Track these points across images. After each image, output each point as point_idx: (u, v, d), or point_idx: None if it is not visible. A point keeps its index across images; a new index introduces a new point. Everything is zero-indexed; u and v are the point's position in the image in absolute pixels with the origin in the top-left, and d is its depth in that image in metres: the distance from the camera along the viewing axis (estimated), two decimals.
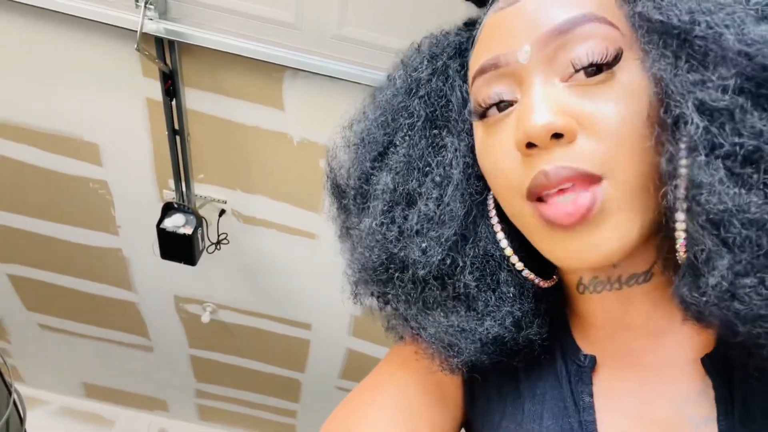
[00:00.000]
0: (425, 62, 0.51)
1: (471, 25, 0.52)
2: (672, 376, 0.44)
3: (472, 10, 0.52)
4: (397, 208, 0.48)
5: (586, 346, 0.49)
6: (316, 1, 1.40)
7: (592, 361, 0.47)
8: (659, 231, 0.42)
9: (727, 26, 0.34)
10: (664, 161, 0.37)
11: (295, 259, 2.11)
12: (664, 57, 0.37)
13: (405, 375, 0.54)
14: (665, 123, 0.37)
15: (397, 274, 0.48)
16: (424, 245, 0.46)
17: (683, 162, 0.36)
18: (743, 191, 0.33)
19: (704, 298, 0.36)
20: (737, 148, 0.33)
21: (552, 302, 0.51)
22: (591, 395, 0.46)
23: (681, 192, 0.36)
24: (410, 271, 0.47)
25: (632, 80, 0.39)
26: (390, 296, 0.50)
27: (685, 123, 0.35)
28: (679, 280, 0.40)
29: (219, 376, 2.90)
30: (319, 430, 0.52)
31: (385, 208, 0.48)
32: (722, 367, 0.42)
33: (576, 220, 0.39)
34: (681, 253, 0.39)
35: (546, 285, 0.49)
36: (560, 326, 0.52)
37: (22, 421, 1.65)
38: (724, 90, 0.34)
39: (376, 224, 0.48)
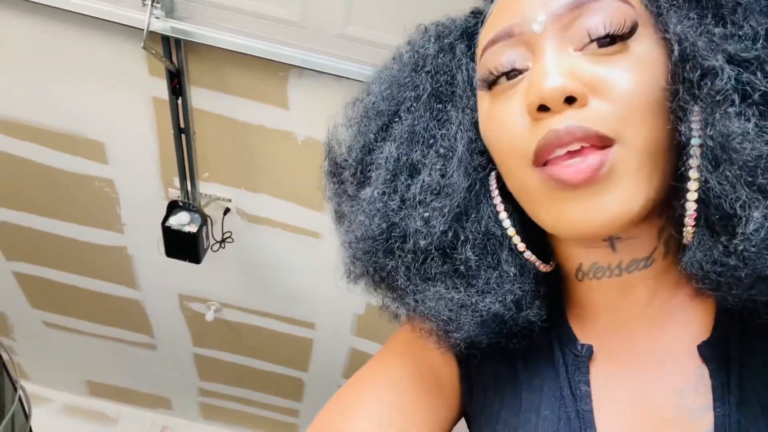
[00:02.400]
0: (432, 40, 0.51)
1: (479, 14, 0.52)
2: (669, 364, 0.44)
3: (478, 5, 0.52)
4: (399, 177, 0.47)
5: (583, 336, 0.49)
6: (321, 0, 1.41)
7: (589, 350, 0.47)
8: (661, 212, 0.42)
9: None
10: (685, 121, 0.37)
11: (299, 258, 2.11)
12: (688, 18, 0.38)
13: (400, 370, 0.53)
14: (690, 82, 0.37)
15: (397, 244, 0.47)
16: (426, 215, 0.45)
17: (709, 116, 0.36)
18: None
19: (738, 250, 0.35)
20: None
21: (550, 287, 0.51)
22: (588, 384, 0.46)
23: (702, 149, 0.37)
24: (411, 241, 0.46)
25: (646, 52, 0.40)
26: (388, 269, 0.48)
27: (715, 75, 0.35)
28: (692, 250, 0.39)
29: (222, 374, 2.91)
30: (307, 428, 0.52)
31: (387, 177, 0.47)
32: (719, 354, 0.42)
33: (585, 177, 0.39)
34: (688, 228, 0.39)
35: (544, 269, 0.49)
36: (557, 316, 0.51)
37: (27, 417, 1.66)
38: (755, 40, 0.35)
39: (378, 193, 0.47)
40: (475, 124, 0.48)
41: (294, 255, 2.10)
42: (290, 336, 2.51)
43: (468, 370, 0.55)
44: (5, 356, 1.60)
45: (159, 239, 1.85)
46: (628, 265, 0.45)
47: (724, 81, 0.35)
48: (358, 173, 0.51)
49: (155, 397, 3.20)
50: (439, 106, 0.49)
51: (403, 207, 0.46)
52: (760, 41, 0.35)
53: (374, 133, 0.50)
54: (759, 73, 0.34)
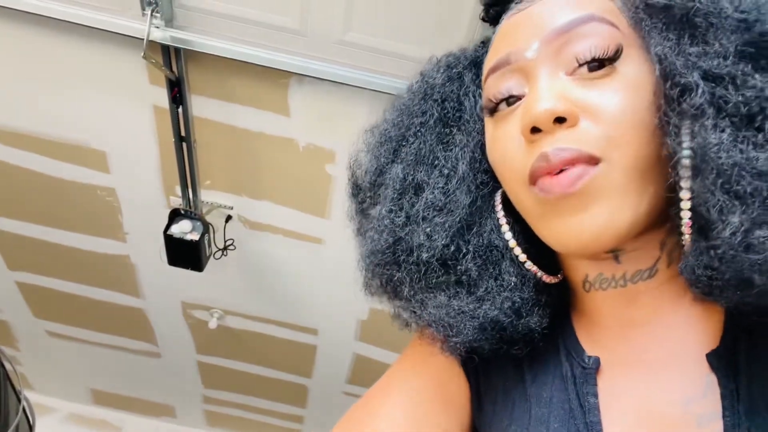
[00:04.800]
0: (441, 70, 0.55)
1: (488, 42, 0.55)
2: (677, 372, 0.44)
3: (476, 13, 0.53)
4: (405, 196, 0.51)
5: (590, 347, 0.50)
6: (320, 8, 1.41)
7: (596, 362, 0.48)
8: (662, 224, 0.43)
9: None
10: (670, 135, 0.39)
11: (301, 265, 2.11)
12: (667, 39, 0.40)
13: (413, 380, 0.55)
14: (671, 99, 0.39)
15: (403, 257, 0.50)
16: (428, 230, 0.49)
17: (691, 129, 0.38)
18: (750, 148, 0.36)
19: (719, 253, 0.37)
20: (741, 106, 0.36)
21: (555, 298, 0.53)
22: (596, 396, 0.47)
23: (688, 160, 0.39)
24: (415, 254, 0.50)
25: (633, 73, 0.42)
26: (396, 279, 0.52)
27: (691, 91, 0.38)
28: (686, 257, 0.41)
29: (226, 381, 2.91)
30: None
31: (394, 195, 0.52)
32: (727, 363, 0.42)
33: (564, 187, 0.41)
34: (686, 236, 0.40)
35: (550, 280, 0.51)
36: (565, 328, 0.52)
37: (31, 428, 1.66)
38: (726, 57, 0.37)
39: (385, 210, 0.51)
40: (481, 146, 0.52)
41: (296, 261, 2.10)
42: (293, 342, 2.51)
43: (477, 385, 0.56)
44: (8, 366, 1.60)
45: (161, 247, 1.85)
46: (632, 276, 0.46)
47: (700, 96, 0.37)
48: (373, 192, 0.55)
49: (159, 405, 3.20)
50: (446, 130, 0.53)
51: (408, 223, 0.50)
52: (730, 58, 0.37)
53: (385, 157, 0.54)
54: (731, 87, 0.37)
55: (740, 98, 0.36)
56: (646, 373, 0.46)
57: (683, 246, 0.42)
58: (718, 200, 0.37)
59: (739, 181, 0.35)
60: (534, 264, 0.50)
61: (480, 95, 0.52)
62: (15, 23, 1.53)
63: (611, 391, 0.47)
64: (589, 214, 0.41)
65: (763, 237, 0.35)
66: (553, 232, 0.44)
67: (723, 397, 0.41)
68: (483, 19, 0.54)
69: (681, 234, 0.41)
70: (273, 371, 2.74)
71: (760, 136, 0.36)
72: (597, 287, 0.49)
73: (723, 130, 0.37)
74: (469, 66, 0.55)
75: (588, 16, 0.43)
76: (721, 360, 0.42)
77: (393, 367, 0.58)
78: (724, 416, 0.40)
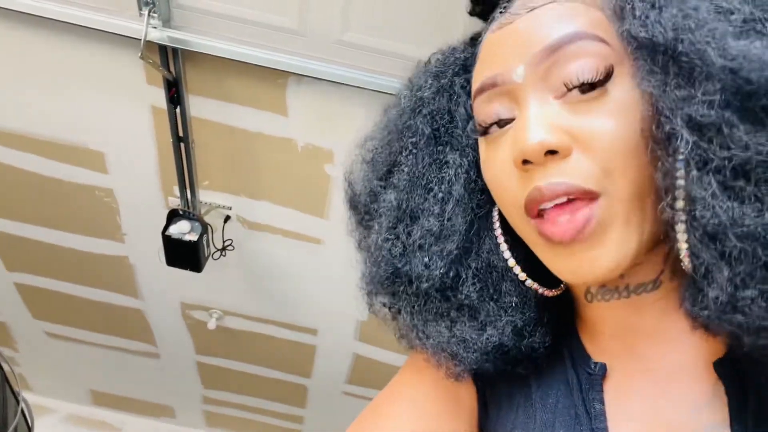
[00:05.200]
0: (430, 80, 0.53)
1: (477, 38, 0.53)
2: (684, 381, 0.44)
3: (472, 14, 0.52)
4: (401, 224, 0.50)
5: (596, 354, 0.49)
6: (318, 7, 1.41)
7: (603, 369, 0.47)
8: (664, 240, 0.42)
9: (708, 43, 0.35)
10: (660, 176, 0.38)
11: (300, 265, 2.11)
12: (653, 73, 0.38)
13: (421, 386, 0.54)
14: (658, 138, 0.38)
15: (402, 288, 0.50)
16: (426, 259, 0.48)
17: (679, 176, 0.36)
18: (736, 204, 0.34)
19: (706, 312, 0.37)
20: (726, 161, 0.34)
21: (558, 311, 0.52)
22: (602, 402, 0.46)
23: (679, 205, 0.37)
24: (414, 285, 0.49)
25: (625, 96, 0.40)
26: (398, 307, 0.51)
27: (677, 139, 0.36)
28: (684, 291, 0.40)
29: (226, 382, 2.90)
30: None
31: (390, 224, 0.50)
32: (735, 372, 0.41)
33: (572, 236, 0.40)
34: (686, 263, 0.39)
35: (552, 294, 0.50)
36: (570, 335, 0.52)
37: (30, 429, 1.65)
38: (711, 105, 0.34)
39: (381, 240, 0.50)
40: (476, 163, 0.50)
41: (295, 261, 2.10)
42: (293, 342, 2.51)
43: (484, 389, 0.56)
44: (7, 368, 1.60)
45: (160, 248, 1.84)
46: (635, 287, 0.46)
47: (684, 147, 0.35)
48: (367, 217, 0.54)
49: (159, 406, 3.20)
50: (438, 148, 0.51)
51: (405, 253, 0.49)
52: (715, 107, 0.34)
53: (377, 180, 0.53)
54: (716, 140, 0.34)
55: (726, 154, 0.34)
56: (652, 381, 0.45)
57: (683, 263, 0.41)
58: (705, 259, 0.36)
59: (725, 242, 0.34)
60: (534, 281, 0.48)
61: (471, 106, 0.50)
62: (11, 24, 1.53)
63: (617, 398, 0.46)
64: (600, 251, 0.40)
65: (750, 298, 0.34)
66: (558, 268, 0.43)
67: (730, 405, 0.41)
68: (470, 13, 0.52)
69: (681, 257, 0.40)
70: (272, 371, 2.74)
71: (747, 192, 0.34)
72: (600, 299, 0.48)
73: (708, 185, 0.35)
74: (459, 72, 0.52)
75: (575, 34, 0.41)
76: (728, 368, 0.42)
77: (400, 373, 0.58)
78: (731, 426, 0.40)
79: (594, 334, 0.50)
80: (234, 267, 2.14)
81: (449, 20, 1.35)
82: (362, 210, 0.54)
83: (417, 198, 0.50)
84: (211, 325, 2.42)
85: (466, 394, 0.55)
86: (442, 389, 0.54)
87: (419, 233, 0.49)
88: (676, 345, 0.45)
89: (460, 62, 0.53)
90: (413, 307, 0.50)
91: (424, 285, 0.48)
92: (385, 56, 1.45)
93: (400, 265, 0.49)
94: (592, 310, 0.50)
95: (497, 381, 0.54)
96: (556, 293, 0.50)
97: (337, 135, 1.69)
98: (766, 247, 0.33)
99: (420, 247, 0.48)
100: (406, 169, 0.50)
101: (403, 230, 0.49)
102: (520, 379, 0.52)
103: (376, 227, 0.51)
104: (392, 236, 0.50)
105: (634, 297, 0.46)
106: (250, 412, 3.11)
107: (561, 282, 0.51)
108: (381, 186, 0.52)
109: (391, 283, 0.50)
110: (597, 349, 0.49)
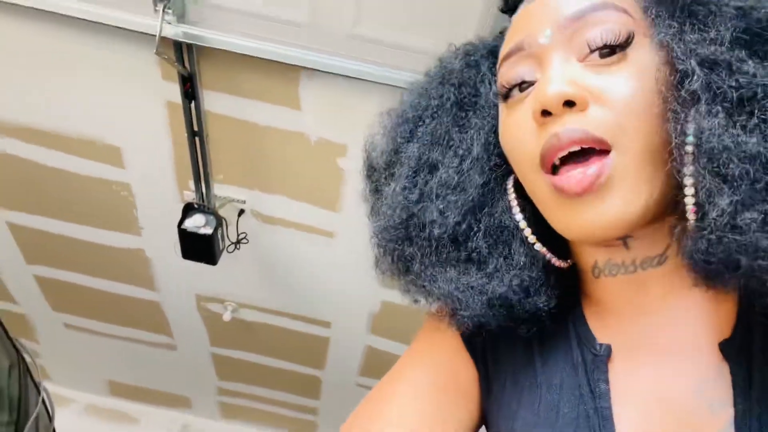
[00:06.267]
0: (459, 56, 0.56)
1: (506, 32, 0.55)
2: (688, 358, 0.45)
3: (488, 6, 0.53)
4: (420, 173, 0.52)
5: (601, 333, 0.50)
6: (330, 1, 1.41)
7: (608, 350, 0.48)
8: (673, 211, 0.43)
9: None
10: (673, 120, 0.40)
11: (313, 258, 2.12)
12: (670, 26, 0.41)
13: (424, 372, 0.55)
14: (672, 85, 0.40)
15: (415, 233, 0.52)
16: (441, 207, 0.50)
17: (689, 114, 0.39)
18: (741, 132, 0.37)
19: (708, 234, 0.38)
20: (734, 91, 0.37)
21: (565, 288, 0.53)
22: (607, 382, 0.47)
23: (690, 146, 0.39)
24: (428, 230, 0.51)
25: (643, 59, 0.43)
26: (407, 255, 0.53)
27: (689, 77, 0.39)
28: (686, 241, 0.42)
29: (240, 373, 2.94)
30: (340, 428, 0.54)
31: (409, 173, 0.53)
32: (740, 351, 0.42)
33: (585, 186, 0.42)
34: (692, 222, 0.41)
35: (559, 264, 0.51)
36: (576, 315, 0.53)
37: (51, 419, 1.69)
38: (722, 43, 0.38)
39: (400, 187, 0.53)
40: (496, 130, 0.52)
41: (309, 254, 2.11)
42: (306, 335, 2.53)
43: (486, 370, 0.57)
44: (28, 359, 1.63)
45: (176, 241, 1.87)
46: (642, 262, 0.47)
47: (695, 82, 0.38)
48: (388, 171, 0.56)
49: (175, 397, 3.25)
50: (461, 113, 0.54)
51: (422, 200, 0.51)
52: (726, 44, 0.38)
53: (401, 136, 0.55)
54: (725, 73, 0.38)
55: (733, 84, 0.37)
56: (657, 359, 0.46)
57: (689, 225, 0.42)
58: (708, 183, 0.37)
59: (728, 164, 0.36)
60: (543, 247, 0.50)
61: (496, 82, 0.53)
62: (28, 21, 1.55)
63: (622, 377, 0.47)
64: (605, 205, 0.42)
65: (750, 219, 0.36)
66: (568, 222, 0.44)
67: (734, 384, 0.41)
68: (502, 10, 0.54)
69: (688, 220, 0.42)
70: (286, 363, 2.77)
71: (752, 120, 0.36)
72: (606, 273, 0.49)
73: (716, 115, 0.37)
74: (487, 55, 0.56)
75: (602, 3, 0.44)
76: (734, 349, 0.42)
77: (402, 358, 0.59)
78: (735, 403, 0.41)
79: (600, 312, 0.51)
80: (248, 260, 2.16)
81: (462, 13, 1.35)
82: (382, 168, 0.57)
83: (437, 152, 0.52)
84: (226, 317, 2.44)
85: (468, 376, 0.57)
86: (444, 373, 0.55)
87: (437, 182, 0.51)
88: (680, 325, 0.46)
89: (489, 47, 0.56)
90: (424, 252, 0.51)
91: (437, 231, 0.50)
92: (397, 49, 1.46)
93: (415, 210, 0.51)
94: (599, 287, 0.51)
95: (502, 361, 0.55)
96: (563, 265, 0.52)
97: (350, 129, 1.69)
98: (766, 171, 0.35)
99: (437, 195, 0.51)
100: (429, 126, 0.54)
101: (422, 179, 0.52)
102: (526, 359, 0.54)
103: (396, 176, 0.54)
104: (411, 184, 0.52)
105: (640, 272, 0.47)
106: (264, 403, 3.14)
107: (569, 256, 0.52)
108: (405, 140, 0.55)
109: (405, 228, 0.52)
110: (602, 328, 0.50)
